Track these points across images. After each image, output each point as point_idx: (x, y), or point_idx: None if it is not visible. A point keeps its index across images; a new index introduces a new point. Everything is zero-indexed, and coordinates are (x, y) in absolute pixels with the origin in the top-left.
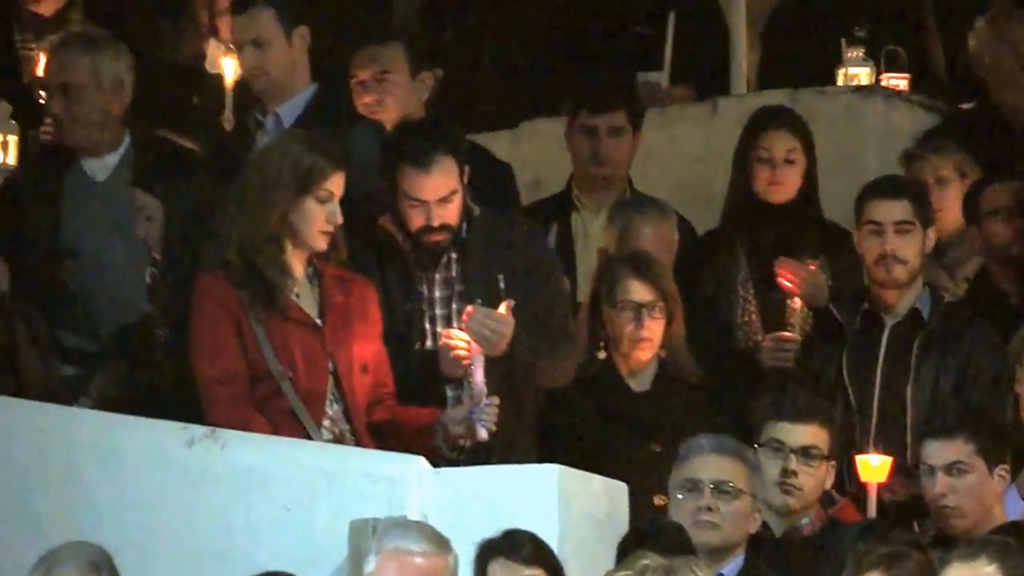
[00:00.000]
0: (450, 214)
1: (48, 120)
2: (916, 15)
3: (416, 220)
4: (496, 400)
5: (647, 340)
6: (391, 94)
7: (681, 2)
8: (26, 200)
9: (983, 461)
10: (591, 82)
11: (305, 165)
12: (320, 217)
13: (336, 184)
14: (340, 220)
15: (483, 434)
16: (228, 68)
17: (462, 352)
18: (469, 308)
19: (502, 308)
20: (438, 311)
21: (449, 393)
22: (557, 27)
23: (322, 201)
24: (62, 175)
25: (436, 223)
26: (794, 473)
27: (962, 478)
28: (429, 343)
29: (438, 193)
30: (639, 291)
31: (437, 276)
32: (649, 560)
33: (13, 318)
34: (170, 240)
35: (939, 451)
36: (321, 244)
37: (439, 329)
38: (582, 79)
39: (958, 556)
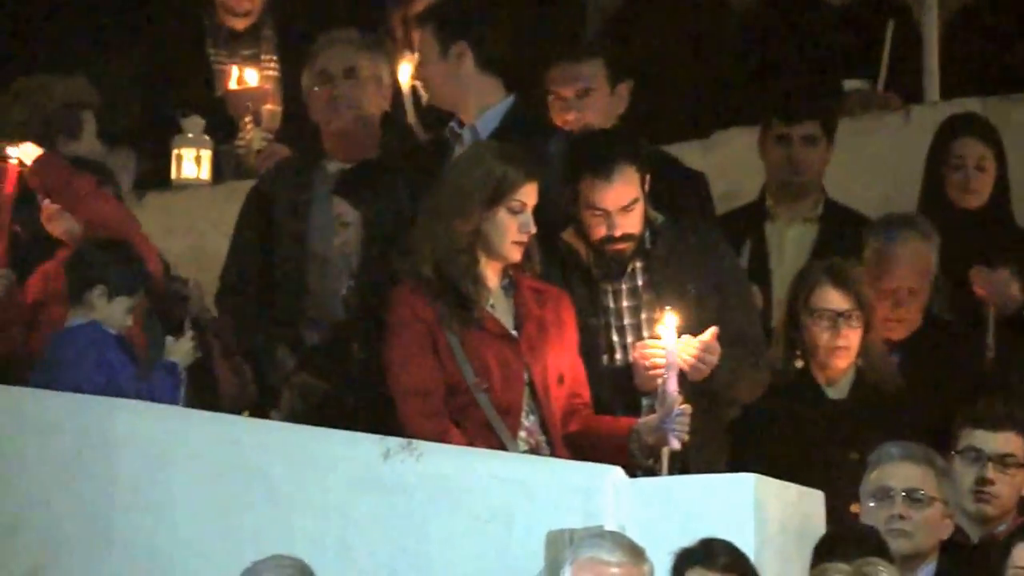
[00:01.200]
0: (632, 223)
1: (241, 135)
2: None
3: (598, 230)
4: (688, 409)
5: (844, 349)
6: (592, 109)
7: (881, 9)
8: (278, 205)
9: None
10: (784, 91)
11: (497, 175)
12: (513, 228)
13: (528, 194)
14: (533, 230)
15: (675, 444)
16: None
17: (659, 363)
18: (663, 322)
19: (708, 334)
20: (626, 321)
21: (644, 402)
22: (751, 38)
23: (514, 212)
24: (311, 180)
25: (618, 233)
26: (991, 481)
27: None
28: (619, 356)
29: (620, 202)
30: (836, 299)
31: (623, 287)
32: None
33: (206, 334)
34: (367, 250)
35: None
36: (514, 255)
37: (628, 340)
38: (775, 88)
39: None
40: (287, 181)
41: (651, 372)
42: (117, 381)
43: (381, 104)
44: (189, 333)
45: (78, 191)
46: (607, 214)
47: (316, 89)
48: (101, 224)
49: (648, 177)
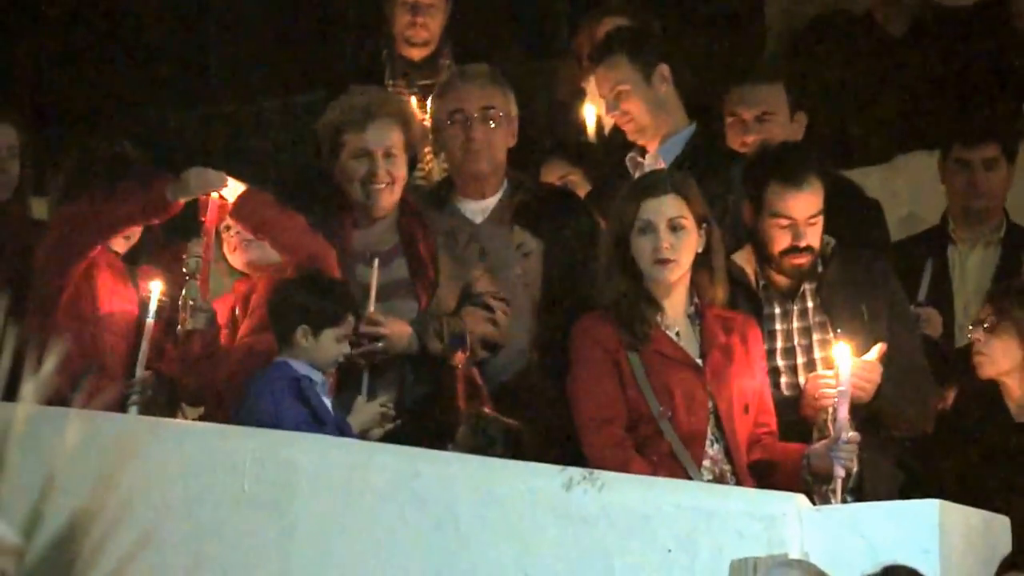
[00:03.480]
0: (814, 236)
1: (422, 165)
2: None
3: (782, 240)
4: (856, 437)
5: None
6: (771, 134)
7: None
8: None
9: None
10: (964, 115)
11: (617, 205)
12: (647, 248)
13: (654, 211)
14: (665, 250)
15: (840, 472)
16: (590, 112)
17: (828, 394)
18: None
19: (874, 352)
20: (796, 342)
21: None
22: (933, 64)
23: (644, 232)
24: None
25: (803, 244)
26: None
27: None
28: (784, 378)
29: (808, 212)
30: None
31: (794, 308)
32: None
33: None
34: (548, 279)
35: None
36: (662, 275)
37: (798, 361)
38: (956, 112)
39: None
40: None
41: (820, 403)
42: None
43: (510, 142)
44: (382, 398)
45: (286, 226)
46: (794, 224)
47: (450, 127)
48: (308, 259)
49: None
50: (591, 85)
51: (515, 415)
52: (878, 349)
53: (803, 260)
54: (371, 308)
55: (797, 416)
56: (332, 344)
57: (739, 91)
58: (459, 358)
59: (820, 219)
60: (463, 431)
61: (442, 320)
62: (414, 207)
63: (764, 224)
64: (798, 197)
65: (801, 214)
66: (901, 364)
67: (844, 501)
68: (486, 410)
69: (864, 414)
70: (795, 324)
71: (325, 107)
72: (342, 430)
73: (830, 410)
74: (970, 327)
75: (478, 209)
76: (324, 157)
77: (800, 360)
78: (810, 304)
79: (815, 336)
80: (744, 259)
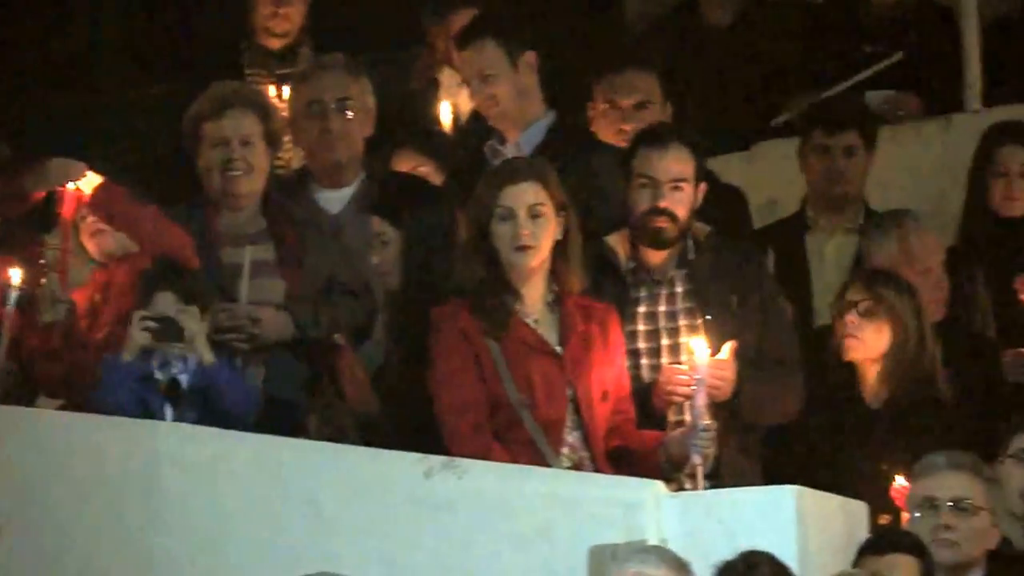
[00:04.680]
0: (677, 203)
1: (281, 154)
2: None
3: (642, 201)
4: (713, 425)
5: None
6: (647, 122)
7: (914, 19)
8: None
9: None
10: (824, 102)
11: (477, 191)
12: (507, 235)
13: (512, 198)
14: (525, 236)
15: (696, 459)
16: (460, 98)
17: (681, 383)
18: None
19: (726, 351)
20: (661, 325)
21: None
22: (790, 50)
23: (503, 219)
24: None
25: (662, 204)
26: None
27: None
28: (645, 361)
29: (670, 173)
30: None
31: (662, 292)
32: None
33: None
34: (407, 268)
35: None
36: (522, 261)
37: (662, 343)
38: (815, 99)
39: None
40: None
41: (669, 396)
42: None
43: (367, 131)
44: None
45: (140, 218)
46: (654, 183)
47: (307, 118)
48: (162, 249)
49: (704, 186)
50: (445, 76)
51: (373, 404)
52: (729, 347)
53: (663, 224)
54: (243, 292)
55: (652, 404)
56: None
57: (613, 79)
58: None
59: (687, 188)
60: (314, 421)
61: (313, 306)
62: (276, 195)
63: (631, 190)
64: (661, 158)
65: (662, 174)
66: (771, 357)
67: (702, 488)
68: (338, 399)
69: (724, 406)
70: (662, 307)
71: (186, 96)
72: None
73: (688, 401)
74: (837, 310)
75: (336, 198)
76: (187, 148)
77: (664, 342)
78: (679, 289)
79: (682, 321)
80: (617, 241)
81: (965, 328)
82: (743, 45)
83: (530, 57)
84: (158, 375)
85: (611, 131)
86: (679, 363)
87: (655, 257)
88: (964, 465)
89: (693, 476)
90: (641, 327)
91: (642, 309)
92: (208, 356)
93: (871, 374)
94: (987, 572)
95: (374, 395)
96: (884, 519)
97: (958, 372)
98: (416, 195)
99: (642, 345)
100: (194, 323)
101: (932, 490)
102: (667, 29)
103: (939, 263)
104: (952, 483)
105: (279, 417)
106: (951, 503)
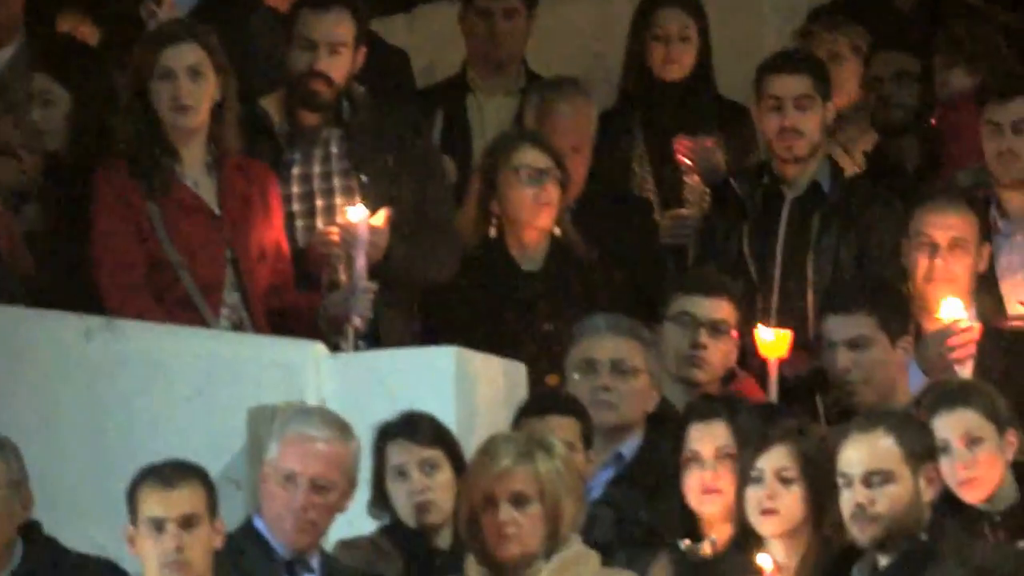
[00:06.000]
0: (336, 66)
1: None
2: None
3: (300, 65)
4: (373, 287)
5: (547, 205)
6: None
7: None
8: None
9: (885, 335)
10: None
11: (137, 50)
12: (165, 98)
13: (172, 58)
14: (184, 97)
15: (356, 321)
16: None
17: (337, 251)
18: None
19: (380, 217)
20: (317, 187)
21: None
22: None
23: (162, 78)
24: None
25: (320, 66)
26: (703, 346)
27: (865, 352)
28: (300, 222)
29: (328, 36)
30: (538, 158)
31: (317, 152)
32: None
33: None
34: (73, 130)
35: (841, 326)
36: (181, 121)
37: (317, 204)
38: None
39: (857, 427)
40: None
41: (325, 257)
42: None
43: None
44: None
45: None
46: (313, 47)
47: None
48: None
49: (364, 51)
50: None
51: (30, 265)
52: (383, 213)
53: (319, 86)
54: None
55: (308, 266)
56: None
57: None
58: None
59: (345, 52)
60: None
61: None
62: None
63: (289, 52)
64: (323, 20)
65: (322, 36)
66: (427, 218)
67: (359, 348)
68: None
69: (381, 267)
70: (316, 169)
71: None
72: None
73: (345, 262)
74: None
75: None
76: None
77: (319, 203)
78: (334, 150)
79: (336, 183)
80: (271, 103)
81: (619, 190)
82: None
83: None
84: None
85: None
86: (334, 225)
87: (310, 119)
88: (623, 327)
89: (350, 338)
90: (296, 189)
91: (296, 171)
92: None
93: (527, 237)
94: (645, 435)
95: (30, 256)
96: (552, 379)
97: (615, 234)
98: (78, 56)
99: (297, 207)
100: None
101: (591, 352)
102: None
103: (592, 130)
104: (610, 345)
105: None
106: (610, 365)
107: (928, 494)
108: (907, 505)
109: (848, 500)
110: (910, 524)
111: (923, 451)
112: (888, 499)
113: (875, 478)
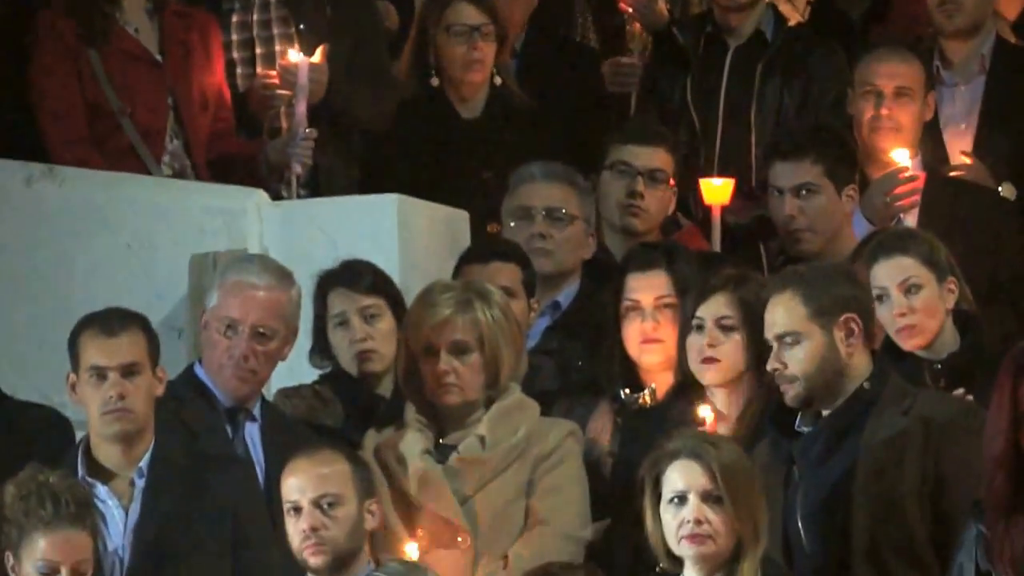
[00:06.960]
0: None
1: None
2: None
3: None
4: (313, 133)
5: (479, 62)
6: None
7: None
8: None
9: (831, 182)
10: None
11: None
12: None
13: None
14: None
15: (297, 168)
16: None
17: (280, 93)
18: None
19: (317, 55)
20: (256, 33)
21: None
22: None
23: None
24: None
25: None
26: (641, 195)
27: (811, 199)
28: (240, 70)
29: None
30: (471, 14)
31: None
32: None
33: None
34: None
35: (787, 173)
36: None
37: (256, 51)
38: None
39: (769, 289)
40: None
41: (266, 101)
42: None
43: None
44: None
45: None
46: None
47: None
48: None
49: None
50: None
51: None
52: (321, 50)
53: None
54: None
55: (250, 111)
56: None
57: None
58: None
59: None
60: None
61: None
62: None
63: None
64: None
65: None
66: (364, 61)
67: (300, 196)
68: None
69: (321, 111)
70: (255, 16)
71: None
72: None
73: (287, 108)
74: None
75: None
76: None
77: (259, 51)
78: None
79: (276, 30)
80: None
81: (563, 38)
82: None
83: None
84: None
85: None
86: (273, 70)
87: None
88: (558, 175)
89: (291, 185)
90: (235, 36)
91: (236, 19)
92: None
93: (465, 88)
94: (582, 282)
95: None
96: (493, 227)
97: (557, 83)
98: None
99: (237, 54)
100: None
101: (527, 199)
102: None
103: None
104: (546, 193)
105: None
106: (544, 212)
107: (848, 346)
108: (821, 362)
109: (770, 363)
110: (831, 379)
111: (833, 305)
112: (796, 361)
113: (787, 339)
